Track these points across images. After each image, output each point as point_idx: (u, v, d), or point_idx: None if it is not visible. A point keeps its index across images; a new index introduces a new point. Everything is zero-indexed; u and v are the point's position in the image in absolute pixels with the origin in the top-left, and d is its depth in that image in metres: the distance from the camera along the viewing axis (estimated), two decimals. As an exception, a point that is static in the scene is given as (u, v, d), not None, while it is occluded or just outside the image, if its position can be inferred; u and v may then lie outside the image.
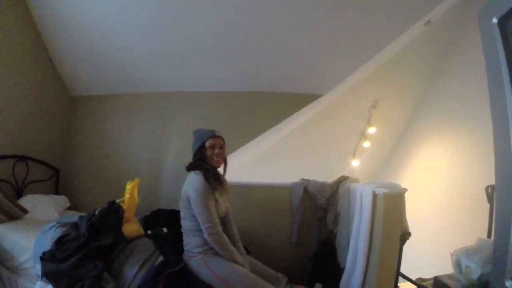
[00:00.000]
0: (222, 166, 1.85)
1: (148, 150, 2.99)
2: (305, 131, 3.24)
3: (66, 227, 1.91)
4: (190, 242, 1.68)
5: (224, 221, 1.83)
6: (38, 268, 1.69)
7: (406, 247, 1.66)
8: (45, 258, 1.66)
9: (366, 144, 3.55)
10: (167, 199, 2.69)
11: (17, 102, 2.77)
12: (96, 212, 1.86)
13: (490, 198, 1.74)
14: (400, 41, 2.46)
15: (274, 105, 2.76)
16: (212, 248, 1.63)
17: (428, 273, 1.71)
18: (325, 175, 2.36)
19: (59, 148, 3.16)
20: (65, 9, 2.57)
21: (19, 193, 2.75)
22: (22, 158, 2.77)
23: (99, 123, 3.16)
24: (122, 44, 2.72)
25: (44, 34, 2.87)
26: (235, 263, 1.63)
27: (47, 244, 1.78)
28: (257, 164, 3.17)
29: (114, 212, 1.82)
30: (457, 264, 1.00)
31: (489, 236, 1.66)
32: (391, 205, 1.60)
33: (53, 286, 1.54)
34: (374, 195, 1.64)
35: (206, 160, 1.74)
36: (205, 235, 1.60)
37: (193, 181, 1.65)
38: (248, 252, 1.94)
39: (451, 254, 1.05)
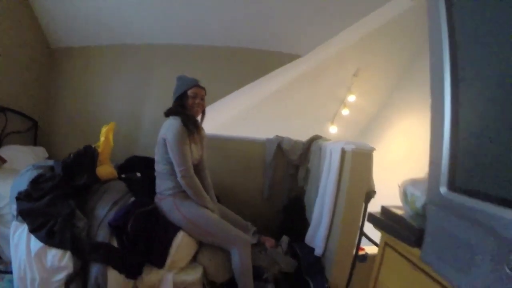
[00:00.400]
0: (200, 116, 1.89)
1: (127, 101, 3.00)
2: (287, 94, 3.28)
3: (43, 169, 1.92)
4: (162, 184, 1.74)
5: (198, 169, 1.89)
6: (14, 208, 1.70)
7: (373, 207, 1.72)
8: (20, 197, 1.68)
9: (345, 111, 3.63)
10: (144, 148, 2.75)
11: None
12: (71, 155, 1.90)
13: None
14: (386, 12, 2.45)
15: (254, 62, 2.77)
16: (183, 191, 1.69)
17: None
18: (302, 138, 2.41)
19: (38, 100, 3.09)
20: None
21: (-2, 144, 2.70)
22: (1, 110, 2.72)
23: (78, 75, 3.09)
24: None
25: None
26: (205, 208, 1.71)
27: (23, 185, 1.79)
28: (237, 122, 3.22)
29: (89, 154, 1.86)
30: (404, 194, 0.99)
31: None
32: (359, 162, 1.67)
33: (27, 224, 1.55)
34: (343, 152, 1.72)
35: (186, 108, 1.77)
36: (178, 178, 1.66)
37: (171, 126, 1.68)
38: (219, 201, 2.04)
39: (399, 186, 1.08)
